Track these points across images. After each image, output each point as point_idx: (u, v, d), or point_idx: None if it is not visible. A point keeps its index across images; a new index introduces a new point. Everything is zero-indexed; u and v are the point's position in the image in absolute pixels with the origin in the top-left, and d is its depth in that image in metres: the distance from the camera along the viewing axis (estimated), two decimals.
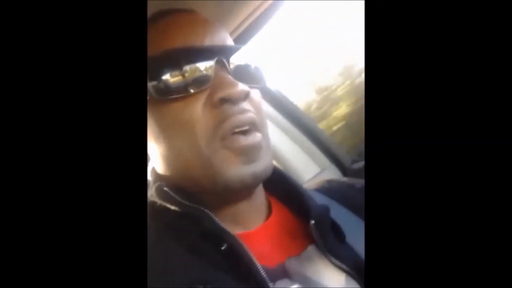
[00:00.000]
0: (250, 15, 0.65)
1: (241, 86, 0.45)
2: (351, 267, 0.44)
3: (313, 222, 0.45)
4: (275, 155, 1.04)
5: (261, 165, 0.45)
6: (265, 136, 0.48)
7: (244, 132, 0.45)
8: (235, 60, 0.48)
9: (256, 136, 0.46)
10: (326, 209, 0.48)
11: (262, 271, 0.40)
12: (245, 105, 0.46)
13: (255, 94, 0.48)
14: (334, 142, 1.06)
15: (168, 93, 0.45)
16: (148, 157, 0.51)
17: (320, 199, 0.53)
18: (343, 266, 0.44)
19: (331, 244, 0.46)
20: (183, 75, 0.45)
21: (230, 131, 0.44)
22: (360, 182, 0.60)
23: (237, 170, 0.44)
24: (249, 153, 0.44)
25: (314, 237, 0.45)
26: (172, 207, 0.45)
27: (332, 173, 1.03)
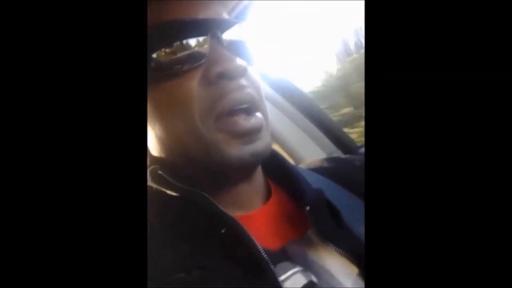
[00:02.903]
0: None
1: (239, 61, 0.43)
2: (348, 250, 0.44)
3: (308, 208, 0.45)
4: (279, 140, 1.03)
5: (261, 145, 0.44)
6: (265, 115, 0.47)
7: (245, 113, 0.44)
8: (230, 36, 0.46)
9: (258, 119, 0.45)
10: (320, 193, 0.47)
11: (263, 254, 0.40)
12: (243, 81, 0.44)
13: (253, 71, 0.47)
14: (339, 127, 1.05)
15: (162, 70, 0.43)
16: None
17: (317, 180, 0.53)
18: (340, 250, 0.44)
19: (329, 228, 0.45)
20: (176, 50, 0.43)
21: (228, 109, 0.43)
22: (359, 159, 0.60)
23: (236, 150, 0.43)
24: (249, 135, 0.43)
25: (310, 222, 0.45)
26: (169, 191, 0.45)
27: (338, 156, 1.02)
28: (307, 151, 1.02)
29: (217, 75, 0.43)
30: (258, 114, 0.45)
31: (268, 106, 1.01)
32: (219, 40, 0.44)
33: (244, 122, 0.43)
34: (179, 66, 0.43)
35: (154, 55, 0.43)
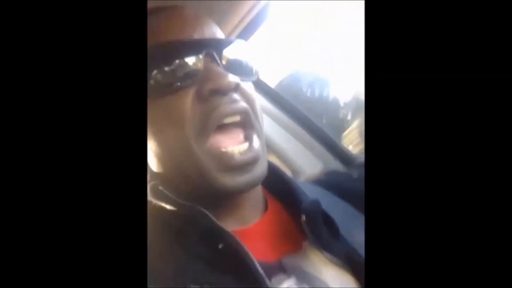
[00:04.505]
0: (247, 14, 0.65)
1: (231, 77, 0.44)
2: (345, 261, 0.44)
3: (304, 217, 0.45)
4: (277, 152, 1.03)
5: (257, 172, 0.45)
6: (261, 138, 0.47)
7: (239, 127, 0.44)
8: (227, 54, 0.47)
9: (254, 150, 0.45)
10: (316, 204, 0.47)
11: (259, 268, 0.40)
12: (236, 96, 0.45)
13: (248, 87, 0.48)
14: (336, 138, 1.05)
15: (158, 89, 0.44)
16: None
17: (315, 191, 0.53)
18: (336, 260, 0.44)
19: (324, 238, 0.45)
20: (172, 70, 0.44)
21: (220, 122, 0.43)
22: (357, 172, 0.60)
23: (230, 180, 0.43)
24: (246, 166, 0.44)
25: (306, 232, 0.45)
26: (168, 206, 0.45)
27: (336, 169, 1.02)
28: (305, 162, 1.02)
29: (209, 91, 0.44)
30: (255, 144, 0.46)
31: (265, 118, 1.01)
32: (213, 58, 0.45)
33: (240, 156, 0.44)
34: (175, 83, 0.44)
35: (153, 74, 0.44)
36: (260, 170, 0.45)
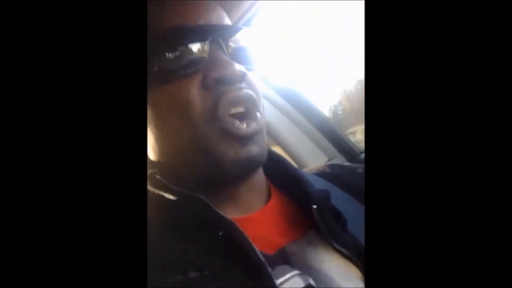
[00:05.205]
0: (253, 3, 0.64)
1: (237, 66, 0.44)
2: (352, 251, 0.44)
3: (315, 207, 0.45)
4: (282, 144, 1.03)
5: (256, 149, 0.44)
6: (262, 121, 0.47)
7: (243, 117, 0.44)
8: (233, 42, 0.46)
9: (256, 125, 0.45)
10: (326, 194, 0.47)
11: (261, 257, 0.39)
12: (241, 85, 0.44)
13: (253, 76, 0.47)
14: (341, 131, 1.05)
15: (162, 75, 0.44)
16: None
17: (320, 184, 0.53)
18: (344, 250, 0.44)
19: (332, 229, 0.45)
20: (177, 56, 0.43)
21: (226, 111, 0.43)
22: (361, 166, 0.60)
23: (232, 153, 0.43)
24: (245, 139, 0.44)
25: (316, 221, 0.45)
26: (167, 195, 0.45)
27: (340, 163, 1.02)
28: (309, 155, 1.02)
29: (214, 80, 0.43)
30: (259, 118, 0.45)
31: (272, 110, 1.02)
32: (219, 45, 0.45)
33: (242, 127, 0.43)
34: (180, 71, 0.43)
35: (157, 60, 0.44)
36: (259, 147, 0.45)
